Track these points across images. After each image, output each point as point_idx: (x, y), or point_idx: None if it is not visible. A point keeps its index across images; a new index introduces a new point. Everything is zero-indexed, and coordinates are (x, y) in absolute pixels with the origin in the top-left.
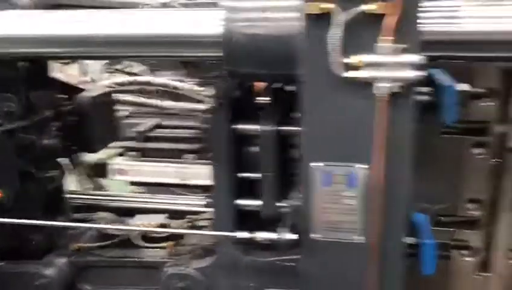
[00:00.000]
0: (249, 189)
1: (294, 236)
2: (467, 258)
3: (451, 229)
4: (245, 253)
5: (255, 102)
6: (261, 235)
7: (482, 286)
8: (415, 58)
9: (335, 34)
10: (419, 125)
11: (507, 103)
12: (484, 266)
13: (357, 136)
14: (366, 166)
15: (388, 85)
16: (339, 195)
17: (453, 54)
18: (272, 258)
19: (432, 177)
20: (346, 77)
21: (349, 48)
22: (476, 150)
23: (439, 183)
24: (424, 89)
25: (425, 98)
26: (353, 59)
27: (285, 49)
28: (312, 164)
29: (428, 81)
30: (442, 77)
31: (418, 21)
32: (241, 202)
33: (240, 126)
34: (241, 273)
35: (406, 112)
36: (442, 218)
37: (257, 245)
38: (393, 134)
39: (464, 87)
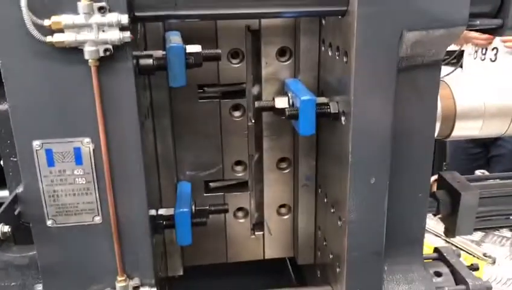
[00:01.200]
0: None
1: (7, 228)
2: (241, 220)
3: (220, 194)
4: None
5: None
6: None
7: (259, 246)
8: (121, 17)
9: None
10: (173, 90)
11: (258, 63)
12: (259, 226)
13: (75, 107)
14: (89, 140)
15: (94, 48)
16: (67, 175)
17: (165, 13)
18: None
19: (196, 144)
20: (52, 42)
21: (48, 8)
22: (235, 113)
23: (204, 150)
24: (160, 53)
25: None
26: (53, 20)
27: None
28: (30, 143)
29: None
30: (175, 39)
31: None
32: None
33: None
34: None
35: (123, 78)
36: (211, 184)
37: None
38: (113, 103)
39: (196, 48)
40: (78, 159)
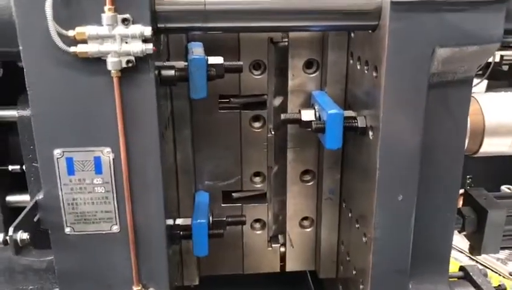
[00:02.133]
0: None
1: (25, 235)
2: (258, 232)
3: (238, 205)
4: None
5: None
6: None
7: (275, 258)
8: (144, 29)
9: (53, 3)
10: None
11: (281, 75)
12: (276, 238)
13: (96, 117)
14: (110, 149)
15: (117, 59)
16: (87, 183)
17: (192, 25)
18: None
19: (215, 154)
20: (75, 52)
21: (73, 19)
22: (255, 124)
23: (223, 160)
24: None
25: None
26: (78, 31)
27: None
28: (51, 151)
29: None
30: (198, 50)
31: None
32: (11, 198)
33: None
34: (18, 276)
35: (144, 89)
36: (234, 194)
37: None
38: (134, 113)
39: (218, 60)
40: (98, 168)
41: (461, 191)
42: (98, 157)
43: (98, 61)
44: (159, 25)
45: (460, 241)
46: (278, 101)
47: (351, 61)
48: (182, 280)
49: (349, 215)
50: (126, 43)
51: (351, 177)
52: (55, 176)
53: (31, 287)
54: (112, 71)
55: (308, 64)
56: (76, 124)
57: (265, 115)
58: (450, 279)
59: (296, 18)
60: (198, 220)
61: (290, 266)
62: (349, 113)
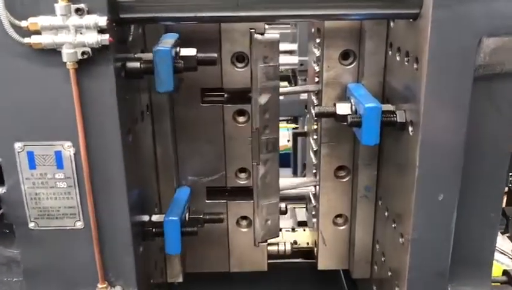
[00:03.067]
0: None
1: None
2: (244, 229)
3: (223, 201)
4: None
5: None
6: None
7: (262, 256)
8: (99, 20)
9: None
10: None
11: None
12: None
13: (55, 110)
14: (70, 144)
15: (72, 51)
16: (48, 178)
17: (156, 15)
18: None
19: (198, 149)
20: (29, 44)
21: (27, 9)
22: (240, 118)
23: (206, 155)
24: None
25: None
26: (30, 21)
27: None
28: (12, 145)
29: None
30: (167, 41)
31: None
32: None
33: None
34: (2, 268)
35: (103, 81)
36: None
37: None
38: (94, 107)
39: (190, 52)
40: (59, 163)
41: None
42: (59, 152)
43: (54, 52)
44: (121, 16)
45: (504, 242)
46: (263, 98)
47: (390, 52)
48: (166, 276)
49: (386, 214)
50: (81, 34)
51: (389, 175)
52: (17, 170)
53: (15, 279)
54: (68, 63)
55: (345, 56)
56: (36, 117)
57: (249, 109)
58: (493, 283)
59: (331, 6)
60: (170, 217)
61: (322, 265)
62: (388, 107)
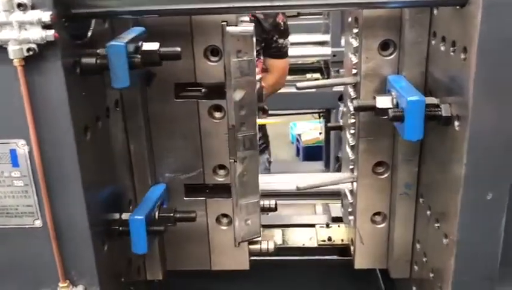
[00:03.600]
0: None
1: None
2: (224, 227)
3: (202, 199)
4: None
5: None
6: None
7: (243, 254)
8: (43, 15)
9: None
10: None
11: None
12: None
13: (7, 108)
14: (24, 142)
15: (18, 47)
16: (5, 176)
17: (106, 10)
18: None
19: (174, 145)
20: None
21: None
22: (216, 114)
23: (182, 152)
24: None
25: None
26: None
27: None
28: None
29: None
30: (126, 36)
31: None
32: None
33: None
34: None
35: (52, 78)
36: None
37: None
38: (44, 104)
39: (152, 46)
40: (15, 161)
41: None
42: (14, 150)
43: (1, 49)
44: (73, 11)
45: None
46: (238, 94)
47: (433, 42)
48: (145, 274)
49: (428, 212)
50: (25, 30)
51: (431, 172)
52: None
53: None
54: (14, 60)
55: (384, 46)
56: None
57: (225, 105)
58: None
59: None
60: (135, 216)
61: (359, 263)
62: (431, 100)
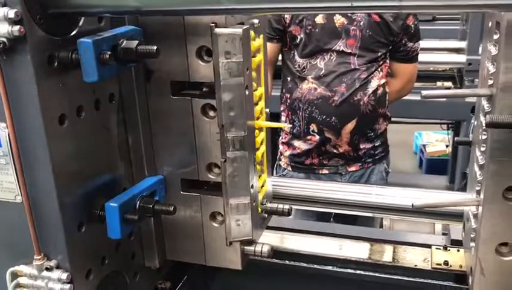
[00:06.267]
0: None
1: None
2: (216, 225)
3: (197, 194)
4: None
5: None
6: None
7: (236, 255)
8: (9, 12)
9: None
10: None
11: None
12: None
13: None
14: (5, 125)
15: None
16: None
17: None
18: None
19: (170, 141)
20: None
21: None
22: (210, 113)
23: (178, 148)
24: None
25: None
26: None
27: None
28: None
29: None
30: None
31: None
32: None
33: None
34: None
35: (22, 71)
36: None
37: None
38: (18, 93)
39: (129, 44)
40: None
41: None
42: None
43: None
44: (49, 11)
45: None
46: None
47: None
48: (143, 260)
49: None
50: None
51: None
52: None
53: None
54: None
55: None
56: None
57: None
58: None
59: None
60: (111, 203)
61: None
62: None
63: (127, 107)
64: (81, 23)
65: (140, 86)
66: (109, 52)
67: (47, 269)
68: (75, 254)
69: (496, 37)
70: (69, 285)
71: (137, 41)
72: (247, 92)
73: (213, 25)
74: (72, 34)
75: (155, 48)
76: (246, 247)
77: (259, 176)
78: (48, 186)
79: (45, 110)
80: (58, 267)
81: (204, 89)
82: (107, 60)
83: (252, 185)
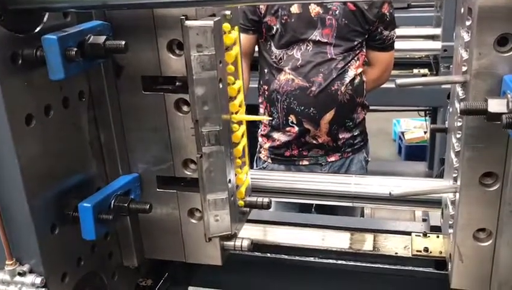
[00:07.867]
0: None
1: None
2: (194, 221)
3: (173, 191)
4: None
5: None
6: None
7: (216, 251)
8: None
9: None
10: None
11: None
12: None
13: None
14: None
15: None
16: None
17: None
18: None
19: (144, 137)
20: None
21: None
22: (184, 108)
23: (152, 144)
24: None
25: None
26: None
27: None
28: None
29: None
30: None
31: None
32: None
33: None
34: None
35: None
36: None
37: None
38: None
39: (97, 39)
40: None
41: None
42: None
43: None
44: (10, 7)
45: None
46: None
47: None
48: (121, 260)
49: None
50: None
51: None
52: None
53: None
54: None
55: (501, 41)
56: None
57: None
58: None
59: None
60: (84, 203)
61: (456, 283)
62: None
63: (97, 104)
64: (45, 19)
65: (111, 82)
66: (75, 49)
67: (20, 274)
68: (49, 257)
69: (468, 23)
70: (43, 289)
71: (105, 37)
72: (221, 86)
73: (183, 17)
74: (37, 30)
75: (123, 42)
76: (225, 242)
77: (242, 169)
78: (17, 189)
79: (10, 110)
80: (31, 271)
81: (177, 84)
82: (73, 57)
83: (230, 180)
